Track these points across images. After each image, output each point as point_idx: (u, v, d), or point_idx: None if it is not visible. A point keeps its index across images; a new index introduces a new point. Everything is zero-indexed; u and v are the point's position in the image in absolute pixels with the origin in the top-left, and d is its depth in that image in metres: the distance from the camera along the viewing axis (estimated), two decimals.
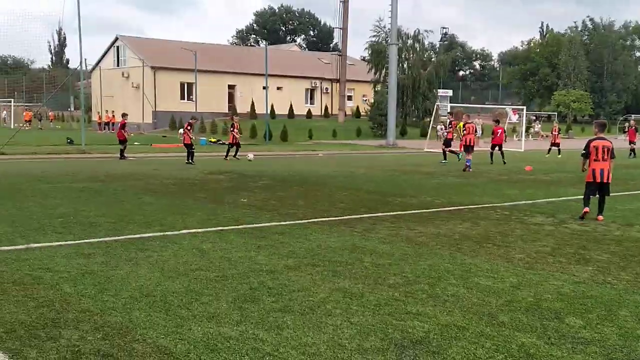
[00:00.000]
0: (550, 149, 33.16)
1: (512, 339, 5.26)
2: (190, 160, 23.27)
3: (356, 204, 13.21)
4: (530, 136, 51.24)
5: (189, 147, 23.63)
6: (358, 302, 6.17)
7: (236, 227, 10.13)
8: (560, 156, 31.51)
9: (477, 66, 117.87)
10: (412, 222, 10.93)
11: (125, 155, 25.54)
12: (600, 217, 11.58)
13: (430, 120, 43.71)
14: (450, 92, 73.99)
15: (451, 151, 26.35)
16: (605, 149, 11.46)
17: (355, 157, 30.27)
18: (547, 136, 53.38)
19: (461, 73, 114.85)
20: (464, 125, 24.57)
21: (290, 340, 5.08)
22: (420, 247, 8.84)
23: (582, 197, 11.93)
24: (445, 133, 28.13)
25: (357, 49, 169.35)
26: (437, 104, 48.81)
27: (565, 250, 8.78)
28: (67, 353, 4.72)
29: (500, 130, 27.19)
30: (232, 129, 26.68)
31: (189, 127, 24.50)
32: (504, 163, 25.69)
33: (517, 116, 49.43)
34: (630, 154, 31.89)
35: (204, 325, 5.37)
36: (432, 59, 61.88)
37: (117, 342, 4.95)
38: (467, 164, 22.46)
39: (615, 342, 5.24)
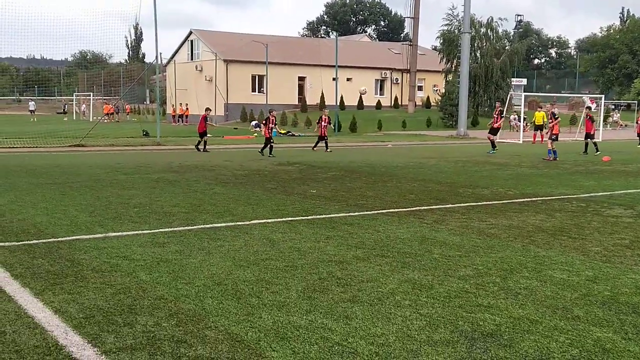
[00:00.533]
0: None
1: (588, 333, 5.11)
2: (270, 153, 23.20)
3: (426, 195, 13.09)
4: (608, 125, 49.43)
5: (268, 140, 23.61)
6: (427, 293, 6.13)
7: (305, 217, 10.21)
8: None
9: (553, 54, 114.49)
10: (484, 214, 10.76)
11: (200, 148, 25.87)
12: None
13: (503, 110, 42.74)
14: (524, 81, 72.28)
15: (492, 142, 26.00)
16: None
17: (425, 148, 29.97)
18: (626, 125, 51.38)
19: (536, 61, 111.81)
20: (551, 116, 24.18)
21: (359, 331, 5.10)
22: (492, 239, 8.68)
23: None
24: (515, 122, 27.68)
25: (428, 38, 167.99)
26: (510, 93, 47.69)
27: None
28: (142, 338, 4.88)
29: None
30: (318, 122, 27.36)
31: (264, 122, 24.87)
32: (584, 153, 25.16)
33: (595, 105, 47.69)
34: None
35: (273, 314, 5.46)
36: (506, 47, 60.42)
37: (191, 329, 5.09)
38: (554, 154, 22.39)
39: None
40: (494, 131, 26.60)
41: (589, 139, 26.00)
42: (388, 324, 5.26)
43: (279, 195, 12.85)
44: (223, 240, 8.35)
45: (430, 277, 6.72)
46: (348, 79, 62.18)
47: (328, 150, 26.27)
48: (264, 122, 24.79)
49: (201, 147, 25.70)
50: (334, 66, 44.15)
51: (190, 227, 9.25)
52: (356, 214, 10.64)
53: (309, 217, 10.21)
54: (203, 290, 6.14)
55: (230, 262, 7.23)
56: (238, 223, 9.63)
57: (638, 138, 31.84)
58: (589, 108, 28.83)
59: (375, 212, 10.86)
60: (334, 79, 45.01)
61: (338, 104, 46.88)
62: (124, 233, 8.79)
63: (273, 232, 8.93)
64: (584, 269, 7.10)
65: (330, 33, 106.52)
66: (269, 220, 9.87)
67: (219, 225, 9.47)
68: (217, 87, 58.16)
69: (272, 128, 24.15)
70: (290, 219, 10.07)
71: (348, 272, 6.84)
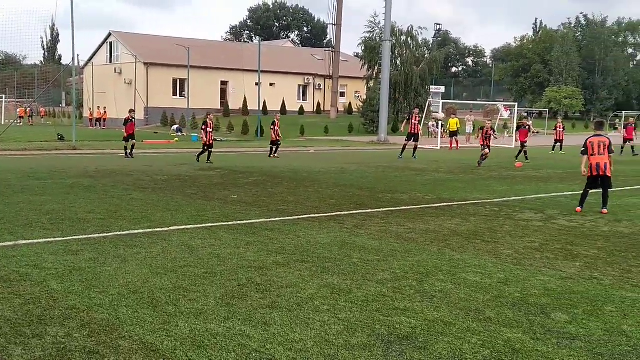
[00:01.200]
0: (554, 146, 33.21)
1: (498, 334, 5.28)
2: (208, 159, 22.20)
3: (346, 200, 13.22)
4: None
5: (208, 146, 22.47)
6: (346, 298, 6.19)
7: (226, 223, 10.12)
8: (562, 152, 31.61)
9: (470, 63, 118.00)
10: (402, 219, 10.96)
11: (129, 153, 24.46)
12: (605, 211, 11.94)
13: (422, 117, 43.71)
14: (442, 89, 74.19)
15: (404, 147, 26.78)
16: (602, 144, 11.95)
17: (346, 154, 30.27)
18: (537, 132, 53.51)
19: (454, 69, 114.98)
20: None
21: (277, 337, 5.09)
22: (409, 243, 8.86)
23: (578, 193, 12.12)
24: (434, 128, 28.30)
25: (350, 45, 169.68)
26: (429, 100, 48.84)
27: (553, 246, 8.83)
28: (52, 350, 4.71)
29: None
30: (272, 127, 26.62)
31: (203, 127, 23.28)
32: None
33: (508, 112, 49.51)
34: (633, 151, 31.10)
35: (191, 322, 5.38)
36: (425, 56, 61.83)
37: (103, 339, 4.95)
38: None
39: (601, 337, 5.28)
40: (410, 136, 27.07)
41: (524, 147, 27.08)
42: (306, 329, 5.28)
43: (199, 200, 12.69)
44: (140, 247, 8.17)
45: (349, 281, 6.78)
46: (271, 84, 62.12)
47: (274, 155, 25.72)
48: (202, 127, 23.17)
49: (128, 151, 24.49)
50: (256, 71, 44.04)
51: (105, 234, 9.00)
52: (277, 219, 10.63)
53: (230, 223, 10.13)
54: (117, 299, 5.98)
55: (146, 269, 7.08)
56: (156, 229, 9.44)
57: (554, 144, 33.15)
58: (527, 117, 30.14)
59: (296, 217, 10.88)
60: (256, 84, 44.89)
61: (261, 108, 46.77)
62: (35, 241, 8.46)
63: (192, 239, 8.81)
64: (496, 272, 7.34)
65: (254, 38, 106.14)
66: (189, 227, 9.73)
67: (136, 231, 9.25)
68: (136, 91, 56.92)
69: (209, 132, 22.83)
70: (210, 225, 9.96)
71: (268, 278, 6.82)
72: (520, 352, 4.91)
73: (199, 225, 9.84)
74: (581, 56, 78.47)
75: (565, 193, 15.04)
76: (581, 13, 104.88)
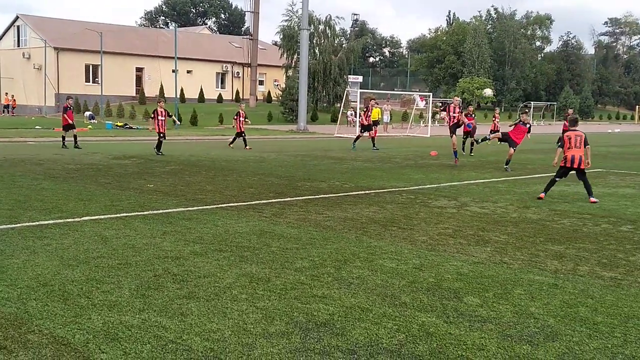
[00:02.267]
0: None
1: (413, 318, 5.40)
2: (159, 150, 20.92)
3: (265, 188, 13.18)
4: (436, 122, 52.62)
5: (161, 135, 21.16)
6: (264, 286, 6.17)
7: (141, 213, 9.90)
8: (500, 143, 31.96)
9: (387, 53, 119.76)
10: (321, 207, 11.03)
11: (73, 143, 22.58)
12: (592, 199, 12.38)
13: (340, 106, 44.12)
14: (360, 78, 75.04)
15: (357, 138, 26.57)
16: (578, 138, 12.47)
17: (265, 142, 30.18)
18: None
19: (371, 59, 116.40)
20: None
21: (194, 327, 5.03)
22: (328, 231, 8.93)
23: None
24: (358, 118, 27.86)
25: (268, 33, 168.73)
26: (347, 89, 49.30)
27: (465, 232, 9.10)
28: None
29: None
30: (235, 117, 25.57)
31: (153, 115, 21.56)
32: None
33: (424, 102, 50.65)
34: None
35: (104, 315, 5.23)
36: (343, 45, 62.35)
37: (12, 334, 4.75)
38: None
39: (510, 319, 5.48)
40: (364, 128, 26.92)
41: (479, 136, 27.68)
42: (224, 318, 5.24)
43: (113, 190, 12.34)
44: (50, 239, 7.87)
45: (267, 270, 6.77)
46: (188, 72, 61.13)
47: (248, 147, 24.57)
48: (152, 115, 21.55)
49: (67, 141, 22.79)
50: (173, 58, 43.17)
51: (13, 225, 8.62)
52: (195, 208, 10.48)
53: (145, 213, 9.91)
54: (26, 292, 5.75)
55: (57, 261, 6.83)
56: (68, 220, 9.12)
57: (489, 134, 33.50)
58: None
59: (215, 206, 10.77)
60: (173, 71, 44.02)
61: (178, 96, 45.93)
62: None
63: (106, 229, 8.56)
64: (411, 258, 7.51)
65: (170, 24, 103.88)
66: (102, 217, 9.45)
67: (46, 222, 8.91)
68: (46, 77, 54.70)
69: (160, 120, 21.21)
70: (125, 214, 9.71)
71: (185, 268, 6.72)
72: (434, 335, 5.04)
73: (113, 215, 9.58)
74: (492, 48, 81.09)
75: (477, 181, 15.53)
76: (492, 6, 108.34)
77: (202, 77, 62.53)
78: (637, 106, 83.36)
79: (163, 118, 21.38)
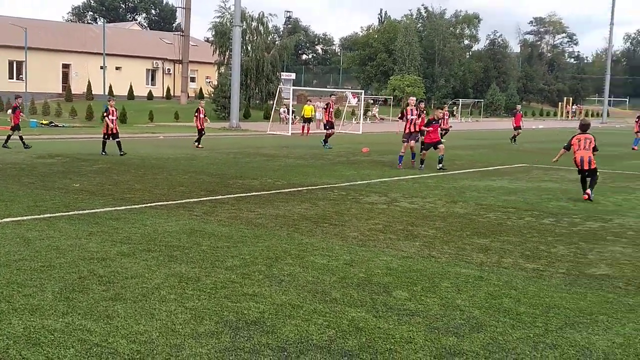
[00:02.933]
0: (442, 134, 33.02)
1: (343, 314, 5.45)
2: (103, 150, 19.88)
3: (196, 187, 13.03)
4: (368, 119, 53.17)
5: (113, 135, 20.25)
6: (194, 286, 6.10)
7: (66, 213, 9.61)
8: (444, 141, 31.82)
9: (320, 50, 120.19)
10: (253, 204, 10.98)
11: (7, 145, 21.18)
12: (585, 196, 12.49)
13: (273, 103, 44.00)
14: (293, 76, 74.95)
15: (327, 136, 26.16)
16: (587, 140, 12.68)
17: None
18: (382, 119, 55.69)
19: (304, 57, 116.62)
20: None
21: (120, 329, 4.92)
22: (259, 229, 8.90)
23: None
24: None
25: (200, 29, 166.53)
26: (280, 86, 49.20)
27: (395, 227, 9.24)
28: None
29: None
30: (196, 114, 24.40)
31: (105, 114, 20.58)
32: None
33: (356, 99, 51.06)
34: (512, 139, 31.13)
35: (25, 319, 5.06)
36: (276, 42, 62.23)
37: None
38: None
39: (437, 312, 5.60)
40: (327, 125, 26.57)
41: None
42: (152, 320, 5.15)
43: (37, 190, 11.94)
44: None
45: (197, 269, 6.70)
46: (117, 68, 59.70)
47: (200, 145, 23.76)
48: (104, 114, 20.49)
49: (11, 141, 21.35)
50: (101, 54, 42.08)
51: None
52: (123, 208, 10.26)
53: (71, 213, 9.63)
54: None
55: None
56: None
57: (444, 133, 32.92)
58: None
59: (144, 205, 10.57)
60: (101, 68, 42.93)
61: (107, 93, 44.82)
62: None
63: (28, 230, 8.28)
64: (342, 254, 7.56)
65: (98, 19, 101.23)
66: (24, 218, 9.13)
67: None
68: None
69: (112, 119, 20.30)
70: (48, 215, 9.41)
71: (111, 269, 6.57)
72: (364, 330, 5.09)
73: (36, 216, 9.27)
74: (422, 46, 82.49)
75: (407, 177, 15.78)
76: (422, 5, 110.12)
77: (131, 74, 61.19)
78: (560, 103, 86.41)
79: (114, 117, 20.68)
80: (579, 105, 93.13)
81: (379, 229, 9.14)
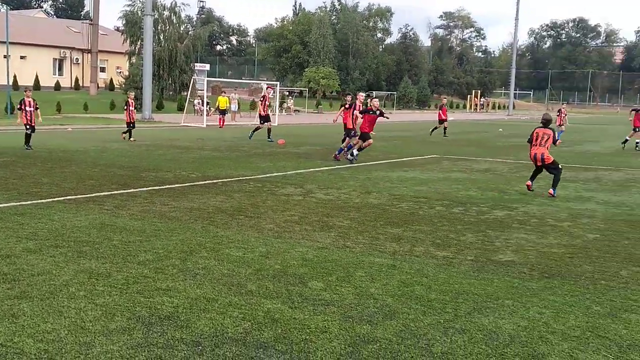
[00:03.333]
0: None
1: (259, 306, 5.44)
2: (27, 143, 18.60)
3: (107, 180, 12.67)
4: (283, 111, 53.17)
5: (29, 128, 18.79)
6: (104, 282, 5.94)
7: None
8: (374, 133, 31.85)
9: (234, 41, 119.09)
10: (166, 197, 10.79)
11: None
12: (551, 192, 12.24)
13: (187, 94, 43.30)
14: (207, 67, 73.89)
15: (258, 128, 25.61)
16: (545, 137, 12.41)
17: (108, 132, 28.93)
18: (298, 111, 55.84)
19: (218, 48, 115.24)
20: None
21: (26, 328, 4.74)
22: (173, 222, 8.75)
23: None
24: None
25: (110, 18, 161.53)
26: (194, 77, 48.45)
27: (311, 219, 9.30)
28: None
29: None
30: (126, 107, 23.58)
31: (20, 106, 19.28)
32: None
33: (271, 91, 50.89)
34: (436, 129, 31.60)
35: None
36: (189, 32, 61.17)
37: None
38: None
39: (352, 301, 5.68)
40: (263, 118, 25.96)
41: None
42: (60, 318, 4.98)
43: None
44: None
45: (108, 264, 6.53)
46: (22, 57, 57.12)
47: (132, 140, 22.99)
48: (19, 106, 19.31)
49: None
50: (4, 42, 40.15)
51: None
52: (28, 202, 9.85)
53: None
54: None
55: None
56: None
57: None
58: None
59: (51, 200, 10.19)
60: (5, 57, 40.95)
61: (10, 83, 42.81)
62: None
63: None
64: (258, 246, 7.55)
65: (1, 6, 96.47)
66: None
67: None
68: None
69: (29, 111, 19.12)
70: None
71: (17, 267, 6.31)
72: (279, 321, 5.11)
73: None
74: (336, 39, 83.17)
75: (322, 168, 15.90)
76: None
77: (37, 64, 58.67)
78: (469, 96, 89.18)
79: (31, 109, 19.50)
80: (486, 98, 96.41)
81: (294, 220, 9.18)
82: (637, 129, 25.02)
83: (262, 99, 26.46)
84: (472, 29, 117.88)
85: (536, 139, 12.54)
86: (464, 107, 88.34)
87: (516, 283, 6.39)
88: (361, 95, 20.27)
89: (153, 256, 6.93)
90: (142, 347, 4.50)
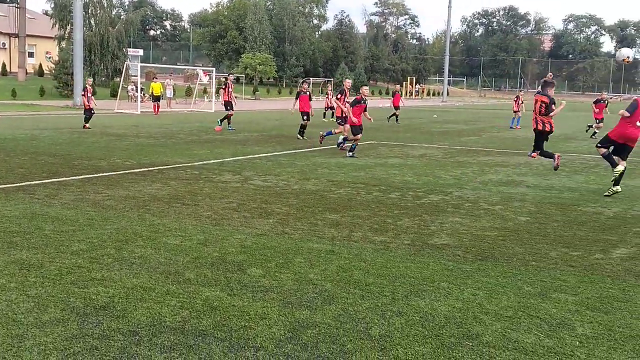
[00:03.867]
0: (324, 113, 32.71)
1: (197, 294, 5.40)
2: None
3: (38, 168, 12.28)
4: (220, 97, 52.63)
5: None
6: (37, 273, 5.78)
7: None
8: (326, 120, 31.66)
9: (168, 26, 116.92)
10: (100, 186, 10.54)
11: None
12: (534, 154, 13.40)
13: (120, 80, 42.33)
14: (141, 52, 72.38)
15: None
16: (541, 104, 12.59)
17: (38, 119, 28.02)
18: (236, 97, 55.31)
19: (152, 33, 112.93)
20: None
21: None
22: (108, 211, 8.57)
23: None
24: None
25: (38, 1, 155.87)
26: (127, 63, 47.38)
27: (249, 206, 9.26)
28: None
29: None
30: (84, 92, 22.50)
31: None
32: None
33: (207, 77, 50.30)
34: (392, 117, 31.65)
35: None
36: (122, 17, 59.74)
37: None
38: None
39: (291, 287, 5.70)
40: (228, 105, 25.21)
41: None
42: None
43: None
44: None
45: (40, 255, 6.34)
46: None
47: (86, 126, 22.29)
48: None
49: None
50: None
51: None
52: None
53: None
54: None
55: None
56: None
57: (324, 111, 32.91)
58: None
59: None
60: None
61: None
62: None
63: None
64: (195, 234, 7.48)
65: None
66: None
67: None
68: None
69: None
70: None
71: None
72: (218, 308, 5.08)
73: None
74: (272, 25, 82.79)
75: (261, 155, 15.83)
76: None
77: None
78: (405, 82, 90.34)
79: None
80: (421, 85, 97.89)
81: (233, 207, 9.12)
82: (599, 121, 25.41)
83: (224, 85, 25.82)
84: (406, 16, 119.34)
85: (534, 107, 12.85)
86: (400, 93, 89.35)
87: (451, 266, 6.54)
88: (348, 82, 20.07)
89: (87, 246, 6.77)
90: (77, 338, 4.40)
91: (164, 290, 5.44)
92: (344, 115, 18.00)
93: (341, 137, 17.84)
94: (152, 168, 12.90)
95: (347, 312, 5.11)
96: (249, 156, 15.54)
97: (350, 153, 15.93)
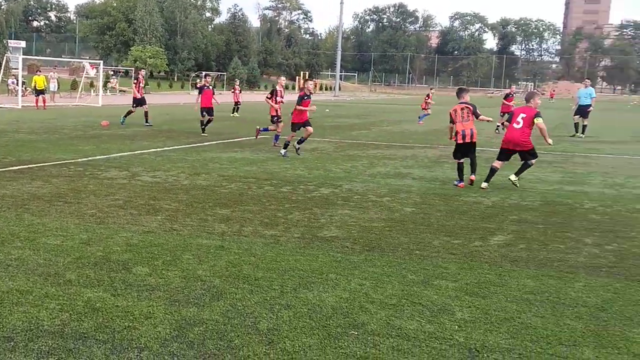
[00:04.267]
0: (234, 108, 31.84)
1: (78, 295, 5.21)
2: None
3: None
4: (108, 91, 50.93)
5: None
6: None
7: None
8: (237, 114, 30.95)
9: (53, 17, 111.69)
10: None
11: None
12: (473, 177, 11.60)
13: (0, 74, 39.97)
14: (23, 44, 68.81)
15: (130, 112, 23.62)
16: (466, 110, 11.61)
17: None
18: (124, 91, 53.75)
19: (35, 24, 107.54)
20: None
21: None
22: None
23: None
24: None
25: None
26: (7, 55, 44.88)
27: (136, 202, 9.02)
28: None
29: None
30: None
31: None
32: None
33: (94, 70, 48.45)
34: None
35: None
36: (2, 7, 56.52)
37: None
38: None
39: (178, 284, 5.60)
40: (137, 101, 23.80)
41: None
42: None
43: None
44: None
45: None
46: None
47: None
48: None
49: None
50: None
51: None
52: None
53: None
54: None
55: None
56: None
57: (233, 107, 31.96)
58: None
59: None
60: None
61: None
62: None
63: None
64: (78, 233, 7.20)
65: None
66: None
67: None
68: None
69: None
70: None
71: None
72: (100, 310, 4.92)
73: None
74: (163, 17, 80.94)
75: (150, 150, 15.45)
76: None
77: None
78: (297, 77, 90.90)
79: None
80: (314, 80, 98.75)
81: (119, 204, 8.85)
82: (503, 115, 25.63)
83: (135, 80, 24.69)
84: (300, 11, 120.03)
85: (457, 116, 11.71)
86: (294, 88, 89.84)
87: (339, 257, 6.65)
88: (282, 80, 19.63)
89: None
90: None
91: (42, 293, 5.21)
92: (278, 113, 17.93)
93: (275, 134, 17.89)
94: (33, 165, 12.30)
95: (235, 308, 5.09)
96: (137, 152, 15.12)
97: (284, 150, 15.35)
